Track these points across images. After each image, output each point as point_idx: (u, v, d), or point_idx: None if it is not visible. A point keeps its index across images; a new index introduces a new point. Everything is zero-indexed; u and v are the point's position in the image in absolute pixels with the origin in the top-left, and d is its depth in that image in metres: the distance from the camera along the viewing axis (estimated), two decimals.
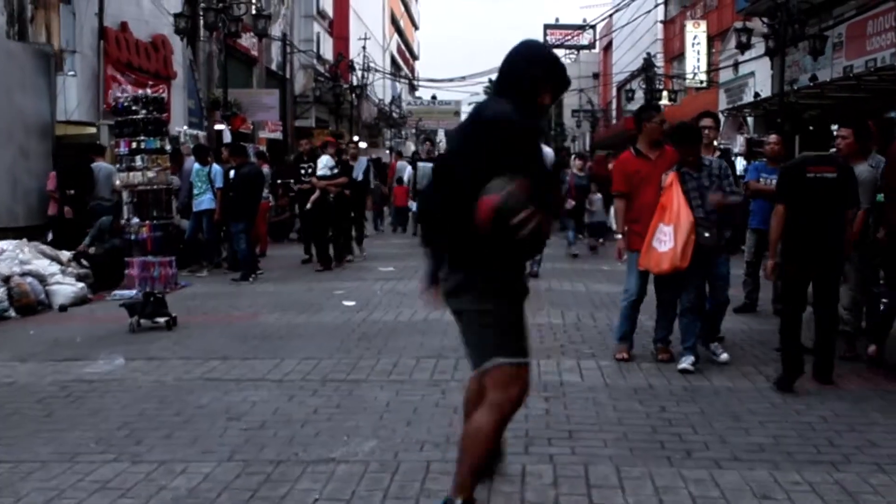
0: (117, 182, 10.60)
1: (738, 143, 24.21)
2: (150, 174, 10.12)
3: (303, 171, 17.22)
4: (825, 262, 7.45)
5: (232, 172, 14.96)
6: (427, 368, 8.20)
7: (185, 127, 21.41)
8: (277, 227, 21.83)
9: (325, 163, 16.53)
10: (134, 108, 10.25)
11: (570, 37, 68.15)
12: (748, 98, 29.69)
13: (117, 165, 10.64)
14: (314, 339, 9.60)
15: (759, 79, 29.52)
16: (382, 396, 7.19)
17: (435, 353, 8.81)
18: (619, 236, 8.53)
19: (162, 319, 10.21)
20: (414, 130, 73.64)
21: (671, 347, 8.57)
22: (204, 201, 15.27)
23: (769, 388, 7.42)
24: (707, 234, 8.07)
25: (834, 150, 8.37)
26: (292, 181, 19.23)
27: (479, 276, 4.37)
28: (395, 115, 60.27)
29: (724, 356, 8.44)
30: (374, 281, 14.29)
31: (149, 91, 16.99)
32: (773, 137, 11.22)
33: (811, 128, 8.15)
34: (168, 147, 10.54)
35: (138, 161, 10.15)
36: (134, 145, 10.24)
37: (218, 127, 23.71)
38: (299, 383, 7.66)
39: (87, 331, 10.27)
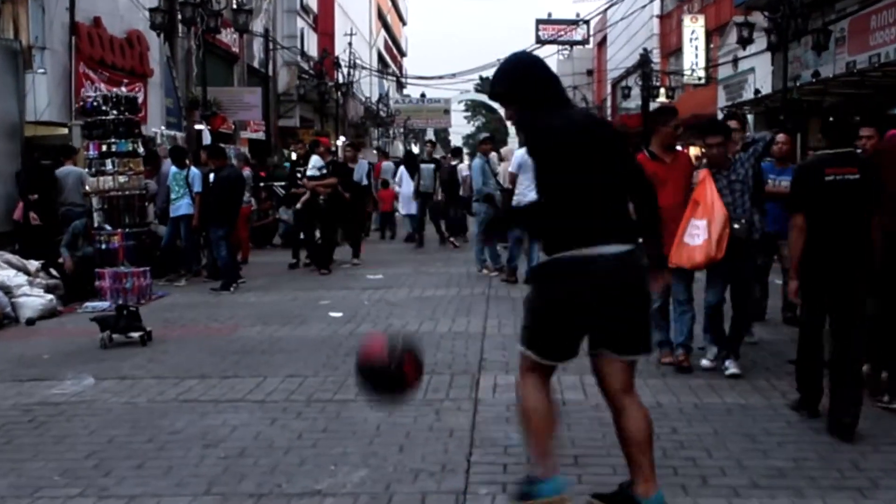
0: (87, 187, 10.22)
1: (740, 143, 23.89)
2: (122, 179, 9.76)
3: (299, 175, 17.39)
4: (848, 274, 6.68)
5: (211, 176, 14.63)
6: (420, 387, 7.86)
7: (163, 128, 21.11)
8: (260, 232, 21.49)
9: (314, 163, 16.74)
10: (104, 108, 9.87)
11: (562, 32, 67.93)
12: (748, 95, 29.58)
13: (87, 170, 10.26)
14: (298, 355, 9.31)
15: (760, 75, 29.37)
16: (372, 418, 6.89)
17: (427, 369, 8.34)
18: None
19: (136, 334, 9.88)
20: (402, 129, 73.26)
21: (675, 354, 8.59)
22: (181, 206, 14.92)
23: (784, 406, 7.14)
24: (737, 226, 8.14)
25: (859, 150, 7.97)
26: (279, 184, 19.45)
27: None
28: (382, 113, 59.87)
29: (733, 370, 8.27)
30: (361, 290, 14.00)
31: (124, 89, 16.76)
32: (780, 137, 10.94)
33: (831, 119, 7.46)
34: (141, 150, 10.16)
35: (109, 165, 9.78)
36: (104, 148, 9.85)
37: (198, 127, 23.39)
38: (282, 404, 7.36)
39: (56, 347, 9.96)
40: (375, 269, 16.83)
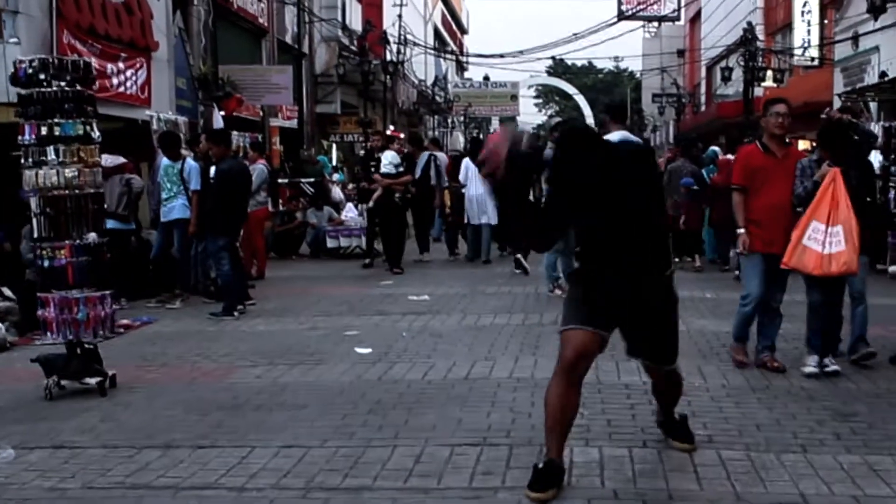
0: (24, 185, 8.79)
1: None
2: (70, 173, 8.32)
3: (373, 169, 18.23)
4: None
5: (213, 170, 13.36)
6: (465, 465, 6.48)
7: (169, 111, 19.86)
8: (284, 238, 20.25)
9: (389, 159, 17.77)
10: (42, 77, 8.39)
11: (648, 5, 66.52)
12: (871, 79, 28.00)
13: (23, 161, 8.81)
14: (305, 413, 7.94)
15: (886, 55, 27.77)
16: None
17: (478, 437, 7.10)
18: (741, 231, 9.26)
19: (92, 380, 8.53)
20: (463, 118, 71.89)
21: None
22: (175, 208, 13.71)
23: None
24: None
25: None
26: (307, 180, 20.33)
27: None
28: (438, 99, 58.51)
29: (834, 366, 8.93)
30: (400, 315, 12.61)
31: (122, 65, 15.49)
32: None
33: None
34: (96, 134, 8.70)
35: (51, 154, 8.33)
36: (44, 131, 8.38)
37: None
38: (269, 494, 5.97)
39: None
40: (421, 285, 15.48)
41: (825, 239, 8.42)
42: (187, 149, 14.98)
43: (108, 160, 13.31)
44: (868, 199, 9.07)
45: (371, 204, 18.05)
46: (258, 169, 16.24)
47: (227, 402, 8.29)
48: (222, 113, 21.70)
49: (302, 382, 9.06)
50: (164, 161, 14.05)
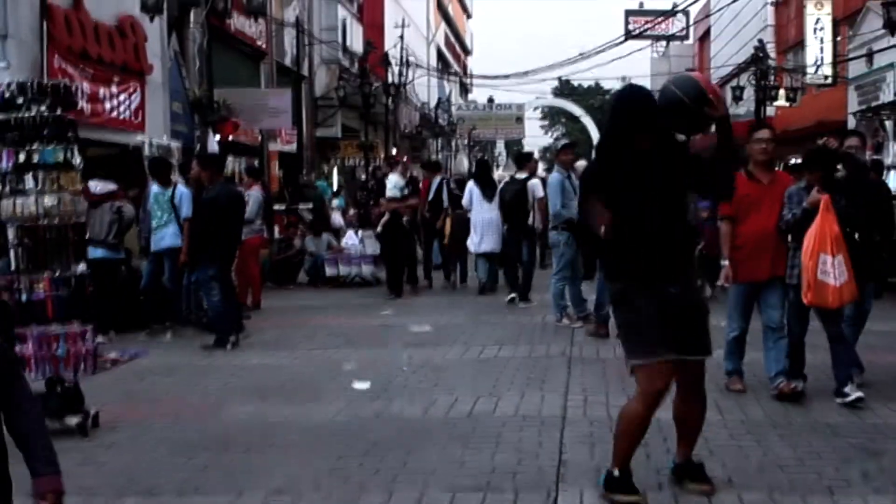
0: (2, 216, 8.49)
1: (892, 153, 22.18)
2: (49, 202, 8.01)
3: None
4: None
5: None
6: None
7: (165, 136, 19.61)
8: (282, 267, 19.96)
9: (394, 183, 18.31)
10: (20, 101, 8.10)
11: (656, 24, 66.56)
12: (887, 96, 27.81)
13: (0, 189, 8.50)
14: (298, 453, 7.66)
15: None
16: None
17: (482, 481, 6.81)
18: (726, 262, 9.29)
19: (73, 419, 8.21)
20: (467, 141, 71.70)
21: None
22: (166, 236, 13.47)
23: None
24: None
25: None
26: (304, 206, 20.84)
27: None
28: (441, 121, 58.28)
29: (857, 393, 8.71)
30: (401, 347, 12.30)
31: (114, 88, 15.19)
32: None
33: None
34: (77, 160, 8.40)
35: (29, 182, 8.03)
36: (22, 158, 8.07)
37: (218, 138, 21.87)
38: None
39: None
40: (423, 315, 15.15)
41: (834, 271, 8.52)
42: (179, 175, 14.76)
43: (99, 187, 13.13)
44: (848, 228, 8.87)
45: (379, 229, 18.40)
46: (253, 195, 15.94)
47: (215, 442, 8.02)
48: (218, 137, 21.44)
49: (295, 420, 8.78)
50: (155, 188, 13.88)
